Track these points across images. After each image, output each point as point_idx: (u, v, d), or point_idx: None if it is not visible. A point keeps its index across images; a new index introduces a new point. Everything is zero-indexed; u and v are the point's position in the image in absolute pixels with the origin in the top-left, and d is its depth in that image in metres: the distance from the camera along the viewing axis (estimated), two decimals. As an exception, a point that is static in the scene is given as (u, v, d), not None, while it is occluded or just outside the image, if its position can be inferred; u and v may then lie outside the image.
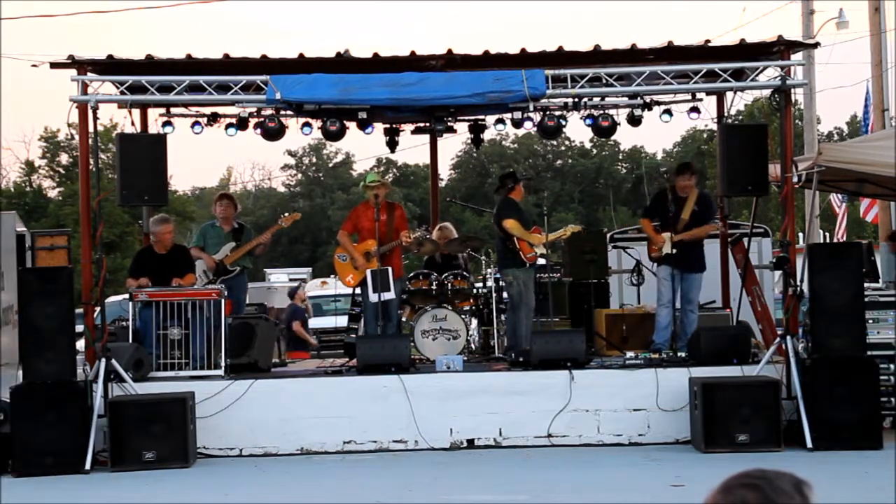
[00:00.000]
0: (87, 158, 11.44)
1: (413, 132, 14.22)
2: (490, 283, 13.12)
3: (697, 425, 10.32)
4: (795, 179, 11.30)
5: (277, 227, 13.58)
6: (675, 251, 11.91)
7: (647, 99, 12.66)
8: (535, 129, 12.71)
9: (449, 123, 13.25)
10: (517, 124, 12.62)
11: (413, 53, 11.62)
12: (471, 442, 10.87)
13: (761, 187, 11.56)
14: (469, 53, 11.67)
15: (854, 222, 32.53)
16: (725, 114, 13.18)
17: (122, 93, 11.35)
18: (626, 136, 76.70)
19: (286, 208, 58.41)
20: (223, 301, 11.44)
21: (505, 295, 13.04)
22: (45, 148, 50.05)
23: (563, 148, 64.88)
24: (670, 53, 11.68)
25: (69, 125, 35.61)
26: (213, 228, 13.01)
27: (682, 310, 11.97)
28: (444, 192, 49.69)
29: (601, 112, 12.99)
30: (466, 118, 13.98)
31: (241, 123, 12.82)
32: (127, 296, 11.90)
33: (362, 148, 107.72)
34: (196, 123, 13.01)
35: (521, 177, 13.10)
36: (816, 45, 14.21)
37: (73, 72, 11.11)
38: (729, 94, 12.80)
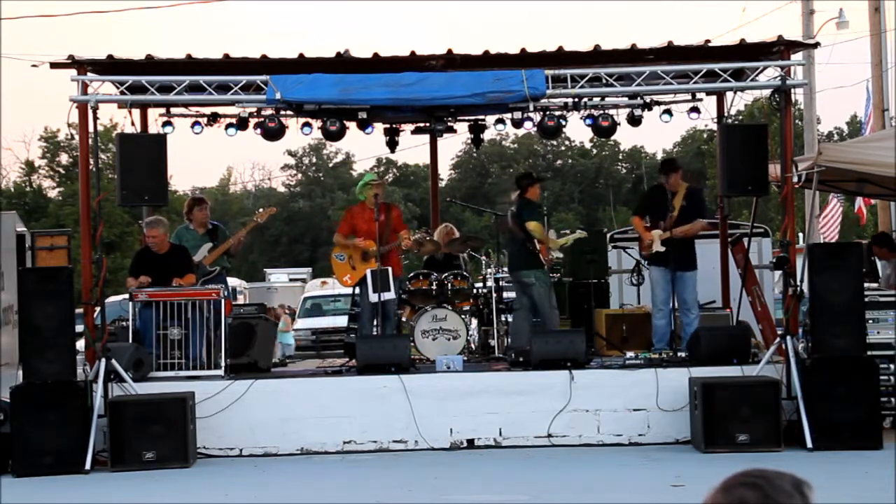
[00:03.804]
0: (87, 158, 11.44)
1: (413, 132, 14.22)
2: (490, 282, 13.10)
3: (697, 425, 10.32)
4: (795, 179, 11.30)
5: (254, 224, 13.34)
6: (665, 249, 11.86)
7: (647, 99, 12.65)
8: (535, 129, 12.71)
9: (449, 123, 13.26)
10: (517, 124, 12.62)
11: (413, 53, 11.62)
12: (471, 442, 10.86)
13: (761, 187, 11.55)
14: (469, 53, 11.67)
15: (852, 222, 32.51)
16: (725, 114, 13.17)
17: (122, 93, 11.36)
18: (626, 136, 76.87)
19: (286, 208, 58.62)
20: (223, 301, 11.43)
21: (506, 295, 13.02)
22: (45, 148, 50.14)
23: (563, 148, 64.95)
24: (670, 53, 11.67)
25: (69, 125, 35.72)
26: (188, 231, 12.77)
27: (679, 311, 11.92)
28: (444, 192, 49.73)
29: (601, 112, 12.98)
30: (466, 118, 13.98)
31: (241, 123, 12.81)
32: (127, 296, 11.89)
33: (362, 148, 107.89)
34: (196, 123, 12.99)
35: (537, 177, 13.10)
36: (816, 45, 14.20)
37: (73, 72, 11.11)
38: (729, 94, 12.80)
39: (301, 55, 11.56)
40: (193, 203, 13.10)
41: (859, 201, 22.64)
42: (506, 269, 13.12)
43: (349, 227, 12.53)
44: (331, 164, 66.19)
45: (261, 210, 13.37)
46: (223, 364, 11.15)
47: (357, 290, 12.74)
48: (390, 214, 12.43)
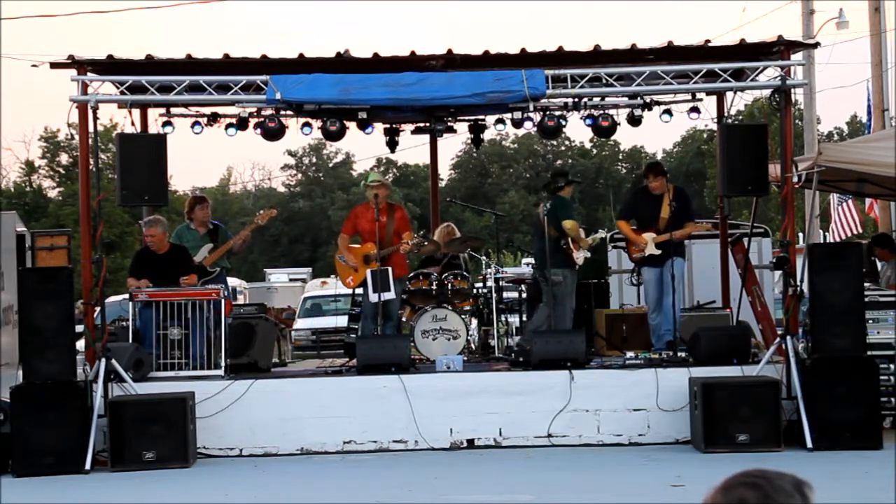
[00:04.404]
0: (87, 158, 11.44)
1: (413, 132, 14.21)
2: (490, 282, 13.10)
3: (697, 425, 10.32)
4: (795, 179, 11.30)
5: (254, 226, 13.37)
6: (660, 251, 11.90)
7: (647, 99, 12.65)
8: (535, 129, 12.71)
9: (449, 123, 13.26)
10: (517, 124, 12.61)
11: (413, 53, 11.62)
12: (471, 442, 10.86)
13: (761, 187, 11.55)
14: (469, 53, 11.67)
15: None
16: (725, 114, 13.17)
17: (122, 93, 11.35)
18: (626, 136, 76.82)
19: (286, 208, 58.63)
20: (223, 301, 11.43)
21: (506, 295, 12.99)
22: (45, 148, 50.13)
23: (563, 148, 64.91)
24: (670, 53, 11.67)
25: (69, 125, 35.71)
26: (189, 231, 12.80)
27: (664, 289, 11.93)
28: (444, 192, 49.72)
29: (601, 112, 12.97)
30: (466, 118, 13.97)
31: (241, 123, 12.80)
32: (127, 296, 11.89)
33: (362, 148, 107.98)
34: (196, 123, 12.98)
35: (571, 179, 13.13)
36: (816, 45, 14.20)
37: (73, 72, 11.11)
38: (729, 94, 12.79)
39: (301, 55, 11.56)
40: (195, 202, 13.14)
41: (869, 200, 22.56)
42: (505, 269, 13.12)
43: (352, 226, 12.57)
44: (331, 164, 66.18)
45: (261, 212, 13.42)
46: (223, 364, 11.16)
47: (360, 291, 12.74)
48: (394, 216, 12.44)
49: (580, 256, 12.33)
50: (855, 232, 22.55)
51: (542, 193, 13.03)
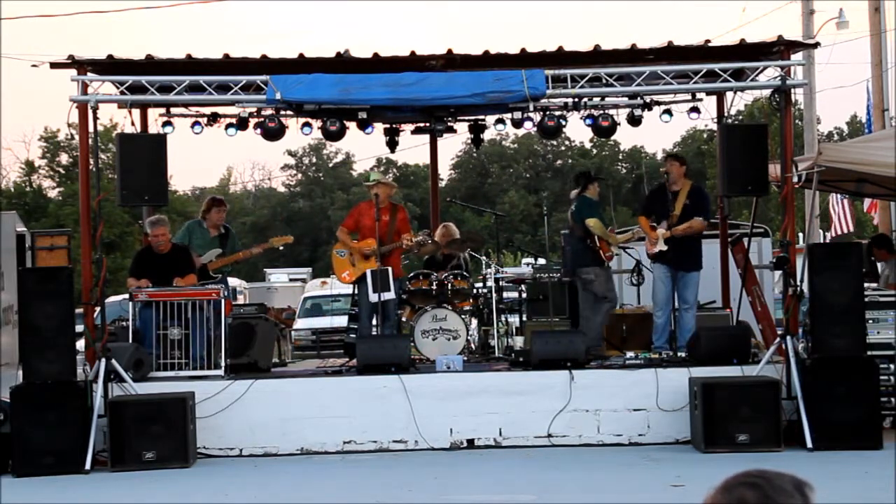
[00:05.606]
0: (87, 158, 11.44)
1: (413, 132, 14.21)
2: (490, 282, 13.10)
3: (697, 425, 10.32)
4: (795, 179, 11.30)
5: (267, 247, 13.61)
6: (667, 247, 11.89)
7: (647, 99, 12.65)
8: (535, 129, 12.71)
9: (449, 123, 13.26)
10: (517, 124, 12.61)
11: (413, 53, 11.63)
12: (471, 442, 10.87)
13: (761, 187, 11.56)
14: (469, 53, 11.68)
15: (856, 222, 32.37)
16: (725, 114, 13.17)
17: (122, 93, 11.36)
18: (626, 136, 76.82)
19: (286, 208, 58.63)
20: (223, 301, 11.44)
21: (506, 295, 12.99)
22: (45, 148, 50.11)
23: (563, 148, 64.89)
24: (670, 53, 11.68)
25: (69, 125, 35.69)
26: (201, 229, 12.83)
27: (678, 310, 11.95)
28: (444, 192, 49.69)
29: (601, 112, 12.98)
30: (466, 118, 13.97)
31: (241, 123, 12.80)
32: (127, 296, 11.89)
33: (362, 148, 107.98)
34: (196, 123, 12.98)
35: (594, 177, 13.17)
36: (816, 45, 14.21)
37: (73, 72, 11.11)
38: (729, 94, 12.80)
39: (301, 55, 11.56)
40: (213, 203, 13.22)
41: (869, 200, 22.56)
42: (505, 269, 13.14)
43: (354, 223, 12.58)
44: (331, 164, 66.16)
45: (278, 237, 13.56)
46: (223, 364, 11.16)
47: (356, 289, 12.73)
48: (396, 216, 12.45)
49: (612, 253, 12.48)
50: (848, 230, 22.53)
51: (543, 195, 13.13)
